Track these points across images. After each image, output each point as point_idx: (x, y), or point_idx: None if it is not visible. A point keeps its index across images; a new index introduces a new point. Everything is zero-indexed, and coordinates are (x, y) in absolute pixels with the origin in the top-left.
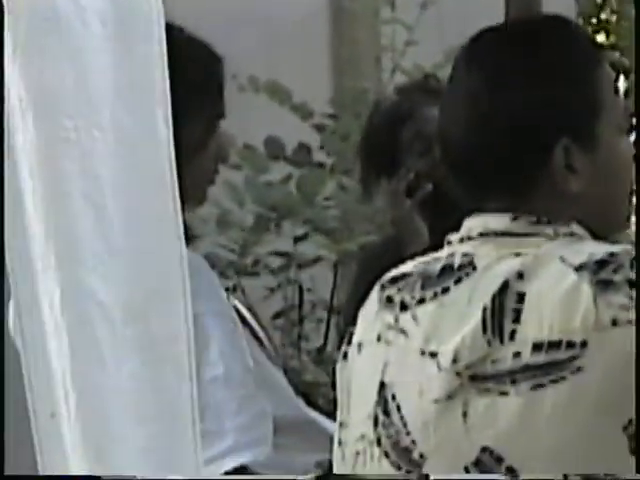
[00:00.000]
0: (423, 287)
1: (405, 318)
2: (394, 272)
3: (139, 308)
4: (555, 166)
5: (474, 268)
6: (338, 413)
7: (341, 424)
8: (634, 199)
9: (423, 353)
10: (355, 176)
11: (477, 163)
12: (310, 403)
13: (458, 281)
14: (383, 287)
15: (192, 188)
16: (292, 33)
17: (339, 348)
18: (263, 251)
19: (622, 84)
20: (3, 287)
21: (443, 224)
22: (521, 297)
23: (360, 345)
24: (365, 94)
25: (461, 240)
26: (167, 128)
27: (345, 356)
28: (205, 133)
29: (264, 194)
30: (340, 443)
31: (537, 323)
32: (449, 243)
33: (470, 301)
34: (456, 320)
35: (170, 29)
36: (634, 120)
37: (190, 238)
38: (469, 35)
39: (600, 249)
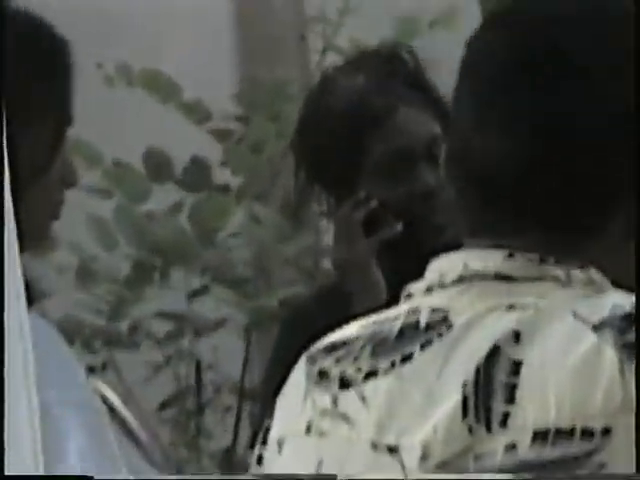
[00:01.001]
0: (374, 354)
1: (348, 398)
2: (329, 338)
3: None
4: None
5: (449, 327)
6: None
7: None
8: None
9: (376, 447)
10: (271, 202)
11: (519, 185)
12: None
13: (425, 345)
14: (313, 359)
15: (31, 225)
16: (179, 3)
17: (252, 447)
18: (144, 312)
19: None
20: (3, 287)
21: (408, 279)
22: (517, 367)
23: (281, 442)
24: (285, 86)
25: (428, 290)
26: None
27: (259, 460)
28: (48, 148)
29: (144, 231)
30: None
31: (540, 403)
32: (409, 296)
33: (443, 373)
34: (423, 400)
35: None
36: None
37: (36, 296)
38: None
39: (627, 300)
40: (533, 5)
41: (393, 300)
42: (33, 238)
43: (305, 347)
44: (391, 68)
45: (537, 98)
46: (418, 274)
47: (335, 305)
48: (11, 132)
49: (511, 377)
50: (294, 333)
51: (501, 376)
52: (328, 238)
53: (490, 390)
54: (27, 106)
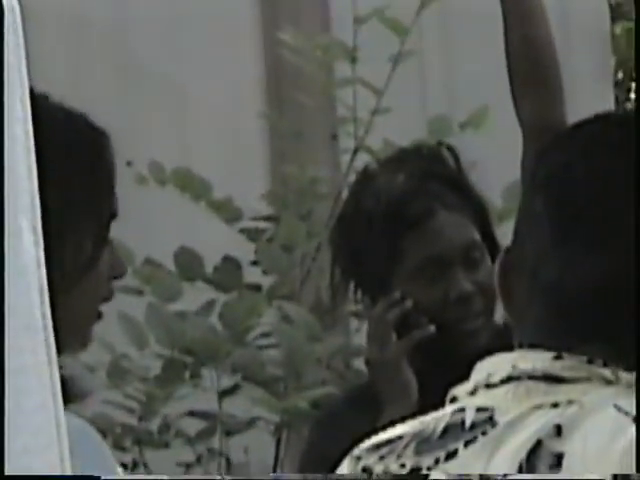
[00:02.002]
0: (418, 452)
1: None
2: (374, 439)
3: None
4: None
5: (494, 425)
6: None
7: None
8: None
9: None
10: (302, 302)
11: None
12: None
13: (470, 442)
14: (357, 458)
15: (72, 325)
16: (210, 101)
17: None
18: (175, 411)
19: None
20: (3, 287)
21: (439, 381)
22: (558, 459)
23: None
24: (316, 185)
25: (474, 391)
26: (36, 245)
27: None
28: (95, 241)
29: (175, 330)
30: None
31: None
32: (453, 400)
33: (487, 468)
34: None
35: (32, 97)
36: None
37: (71, 395)
38: (461, 99)
39: None
40: (606, 123)
41: (438, 405)
42: (74, 338)
43: (341, 447)
44: (431, 168)
45: (620, 215)
46: (451, 376)
47: (366, 405)
48: (58, 229)
49: (553, 470)
50: (326, 433)
51: (543, 469)
52: (359, 339)
53: None
54: (73, 201)
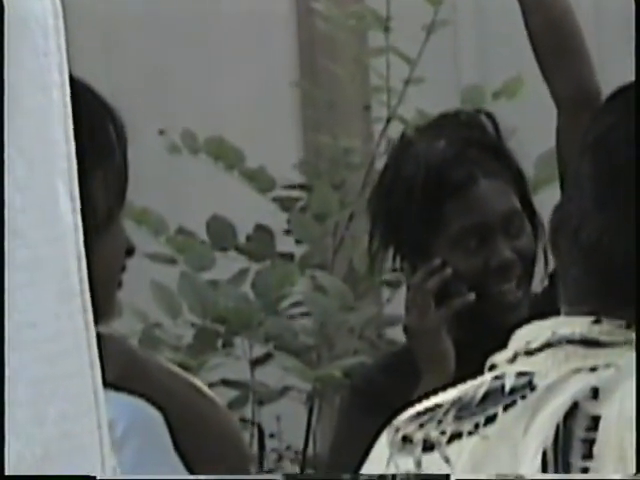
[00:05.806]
0: (458, 418)
1: (431, 460)
2: (413, 409)
3: (37, 470)
4: None
5: (533, 389)
6: None
7: None
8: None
9: None
10: (335, 271)
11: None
12: None
13: (509, 406)
14: (396, 428)
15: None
16: (243, 71)
17: None
18: (207, 380)
19: None
20: (3, 284)
21: (477, 350)
22: (595, 422)
23: None
24: (348, 155)
25: (513, 358)
26: (73, 211)
27: None
28: (108, 212)
29: (208, 299)
30: None
31: (617, 457)
32: (492, 367)
33: (528, 432)
34: (508, 458)
35: None
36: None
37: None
38: (494, 68)
39: None
40: None
41: (475, 374)
42: (101, 305)
43: (376, 416)
44: (471, 135)
45: None
46: (489, 346)
47: (402, 373)
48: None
49: (589, 433)
50: (362, 400)
51: (579, 432)
52: (391, 308)
53: (569, 446)
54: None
